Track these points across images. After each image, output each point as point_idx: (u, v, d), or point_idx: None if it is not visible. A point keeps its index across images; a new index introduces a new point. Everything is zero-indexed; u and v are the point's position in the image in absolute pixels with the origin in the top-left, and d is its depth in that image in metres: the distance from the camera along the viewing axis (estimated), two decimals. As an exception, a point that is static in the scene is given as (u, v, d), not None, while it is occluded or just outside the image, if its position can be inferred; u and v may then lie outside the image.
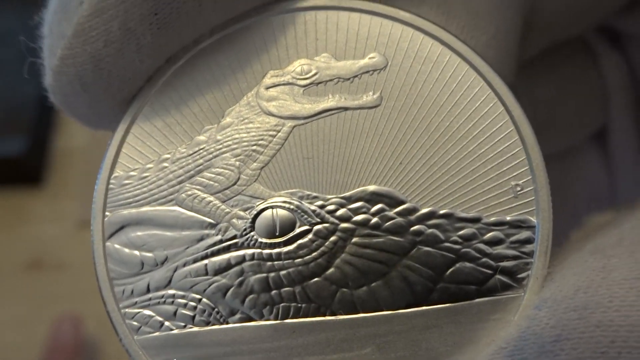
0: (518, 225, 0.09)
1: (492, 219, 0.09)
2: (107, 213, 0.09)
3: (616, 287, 0.07)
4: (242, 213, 0.09)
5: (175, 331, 0.09)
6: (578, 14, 0.11)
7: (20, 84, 0.45)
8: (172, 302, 0.09)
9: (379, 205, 0.09)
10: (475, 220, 0.09)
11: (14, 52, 0.46)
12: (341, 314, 0.09)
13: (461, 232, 0.09)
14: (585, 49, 0.13)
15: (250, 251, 0.09)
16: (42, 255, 0.41)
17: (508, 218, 0.09)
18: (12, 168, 0.42)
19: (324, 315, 0.09)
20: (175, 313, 0.09)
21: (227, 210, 0.09)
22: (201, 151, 0.09)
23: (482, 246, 0.09)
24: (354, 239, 0.09)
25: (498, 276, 0.09)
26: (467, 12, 0.09)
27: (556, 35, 0.12)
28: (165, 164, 0.10)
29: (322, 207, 0.09)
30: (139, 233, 0.09)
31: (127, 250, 0.09)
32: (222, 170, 0.09)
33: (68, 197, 0.43)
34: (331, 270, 0.09)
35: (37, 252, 0.41)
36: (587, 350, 0.06)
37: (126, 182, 0.10)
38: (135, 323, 0.09)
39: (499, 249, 0.09)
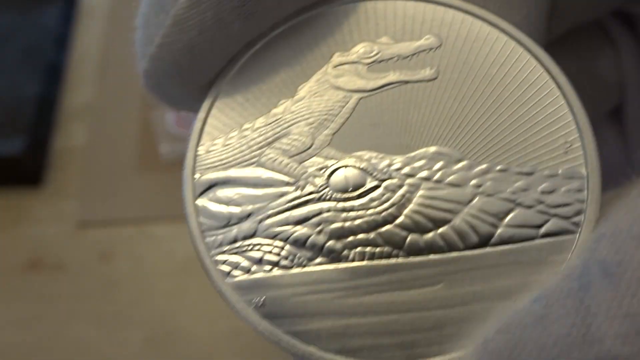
0: (570, 176, 0.10)
1: (546, 172, 0.10)
2: (196, 175, 0.11)
3: None
4: (317, 172, 0.10)
5: (262, 274, 0.10)
6: None
7: (20, 84, 0.45)
8: (259, 249, 0.10)
9: (441, 163, 0.10)
10: (529, 174, 0.10)
11: (14, 52, 0.46)
12: (412, 257, 0.10)
13: (517, 184, 0.10)
14: (603, 33, 0.14)
15: (326, 204, 0.10)
16: (42, 255, 0.41)
17: (560, 171, 0.10)
18: (12, 168, 0.42)
19: (397, 258, 0.10)
20: (261, 259, 0.10)
21: (304, 170, 0.10)
22: (278, 121, 0.11)
23: (537, 195, 0.10)
24: (420, 192, 0.10)
25: (554, 220, 0.10)
26: (508, 4, 0.11)
27: (577, 18, 0.13)
28: (247, 132, 0.11)
29: (389, 165, 0.10)
30: (226, 191, 0.11)
31: (215, 206, 0.11)
32: (297, 136, 0.11)
33: (68, 197, 0.43)
34: (401, 218, 0.10)
35: (36, 252, 0.41)
36: None
37: (212, 149, 0.11)
38: (225, 268, 0.10)
39: (554, 197, 0.10)
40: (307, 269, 0.10)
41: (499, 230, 0.10)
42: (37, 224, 0.42)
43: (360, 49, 0.11)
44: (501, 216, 0.10)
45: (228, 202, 0.11)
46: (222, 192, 0.11)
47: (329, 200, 0.10)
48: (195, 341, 0.38)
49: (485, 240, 0.10)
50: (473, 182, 0.10)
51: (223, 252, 0.10)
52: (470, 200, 0.10)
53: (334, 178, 0.10)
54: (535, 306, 0.08)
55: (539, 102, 0.10)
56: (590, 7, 0.13)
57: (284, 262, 0.10)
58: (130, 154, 0.44)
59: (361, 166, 0.10)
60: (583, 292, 0.08)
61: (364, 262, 0.10)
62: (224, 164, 0.11)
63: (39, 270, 0.40)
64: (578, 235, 0.10)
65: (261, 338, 0.11)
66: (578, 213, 0.10)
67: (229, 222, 0.10)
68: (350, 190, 0.10)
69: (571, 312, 0.08)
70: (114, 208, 0.42)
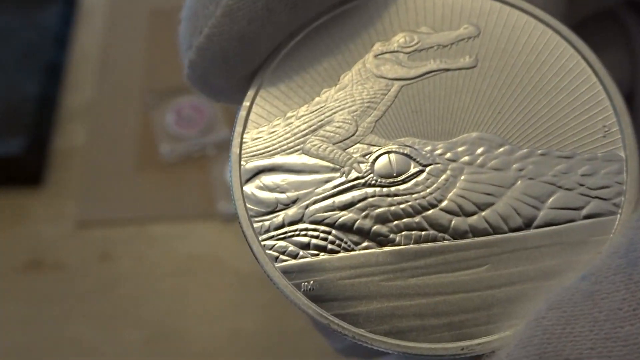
0: (609, 159, 0.10)
1: (585, 155, 0.10)
2: (242, 163, 0.11)
3: None
4: (361, 158, 0.11)
5: (310, 259, 0.10)
6: None
7: (20, 84, 0.45)
8: (306, 234, 0.10)
9: (483, 148, 0.10)
10: (569, 157, 0.10)
11: (13, 52, 0.46)
12: (457, 239, 0.10)
13: (558, 167, 0.10)
14: (616, 23, 0.15)
15: (371, 189, 0.10)
16: (42, 255, 0.41)
17: (599, 154, 0.10)
18: (12, 168, 0.42)
19: (442, 241, 0.10)
20: (308, 244, 0.10)
21: (349, 156, 0.11)
22: (322, 109, 0.11)
23: (578, 178, 0.10)
24: (463, 176, 0.10)
25: (595, 201, 0.10)
26: None
27: (594, 5, 0.13)
28: (291, 120, 0.11)
29: (432, 151, 0.11)
30: (272, 177, 0.11)
31: (262, 192, 0.11)
32: (341, 124, 0.11)
33: (67, 197, 0.43)
34: (445, 202, 0.10)
35: (36, 252, 0.41)
36: None
37: (257, 137, 0.11)
38: (273, 253, 0.10)
39: (594, 180, 0.10)
40: (354, 252, 0.10)
41: (541, 213, 0.10)
42: (37, 224, 0.42)
43: (400, 38, 0.11)
44: (543, 199, 0.10)
45: (274, 188, 0.11)
46: (269, 179, 0.11)
47: (374, 185, 0.10)
48: (195, 341, 0.38)
49: (528, 223, 0.10)
50: (515, 166, 0.10)
51: (271, 238, 0.10)
52: (513, 184, 0.10)
53: (378, 164, 0.11)
54: (585, 283, 0.08)
55: (577, 88, 0.10)
56: None
57: (330, 247, 0.10)
58: (130, 154, 0.44)
59: (405, 152, 0.11)
60: (631, 268, 0.08)
61: (410, 245, 0.10)
62: (269, 151, 0.11)
63: (39, 270, 0.40)
64: (619, 215, 0.10)
65: (310, 321, 0.11)
66: (618, 194, 0.10)
67: (275, 208, 0.11)
68: (394, 175, 0.10)
69: (621, 287, 0.08)
70: (113, 208, 0.42)
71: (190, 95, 0.46)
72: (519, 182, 0.10)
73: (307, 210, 0.10)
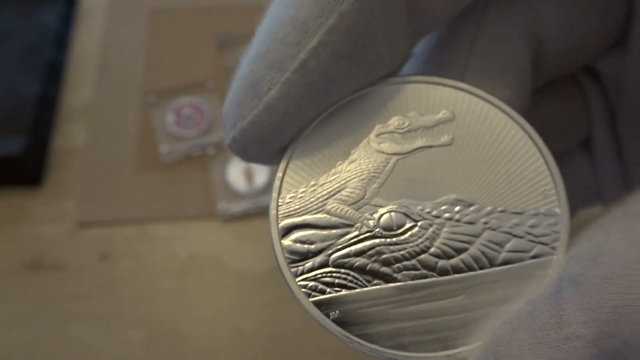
0: (548, 214, 0.14)
1: (532, 212, 0.14)
2: (279, 222, 0.14)
3: (616, 243, 0.11)
4: (369, 216, 0.14)
5: (335, 294, 0.13)
6: (573, 60, 0.17)
7: (19, 84, 0.45)
8: (331, 275, 0.13)
9: (459, 207, 0.14)
10: (520, 213, 0.14)
11: (13, 52, 0.46)
12: (442, 276, 0.13)
13: (513, 220, 0.14)
14: (574, 82, 0.19)
15: (377, 240, 0.14)
16: (42, 255, 0.41)
17: (542, 210, 0.14)
18: (12, 168, 0.42)
19: (431, 277, 0.13)
20: (333, 283, 0.13)
21: (360, 215, 0.14)
22: (337, 178, 0.14)
23: (527, 228, 0.14)
24: (445, 229, 0.14)
25: (539, 246, 0.13)
26: (501, 81, 0.15)
27: (555, 74, 0.17)
28: (314, 187, 0.14)
29: (422, 209, 0.14)
30: (303, 232, 0.14)
31: (296, 244, 0.14)
32: (353, 189, 0.14)
33: (67, 197, 0.43)
34: (433, 249, 0.14)
35: (36, 252, 0.41)
36: (596, 277, 0.11)
37: (289, 200, 0.14)
38: (307, 291, 0.13)
39: (538, 229, 0.14)
40: (367, 288, 0.13)
41: (501, 255, 0.13)
42: (37, 224, 0.42)
43: (395, 121, 0.14)
44: (502, 245, 0.14)
45: (305, 241, 0.14)
46: (300, 234, 0.14)
47: (380, 237, 0.14)
48: (195, 341, 0.38)
49: (492, 263, 0.13)
50: (482, 220, 0.14)
51: (305, 279, 0.14)
52: (481, 234, 0.14)
53: (382, 220, 0.14)
54: (528, 306, 0.12)
55: (525, 161, 0.14)
56: (565, 67, 0.17)
57: (350, 285, 0.13)
58: (129, 154, 0.44)
59: (402, 211, 0.14)
60: (557, 294, 0.12)
61: (408, 282, 0.13)
62: (299, 211, 0.14)
63: (39, 270, 0.40)
64: (555, 256, 0.13)
65: (337, 340, 0.13)
66: (555, 240, 0.14)
67: (307, 256, 0.14)
68: (394, 229, 0.14)
69: (550, 308, 0.12)
70: (113, 208, 0.42)
71: (190, 96, 0.46)
72: (485, 232, 0.14)
73: (330, 257, 0.14)
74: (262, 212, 0.42)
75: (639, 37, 0.15)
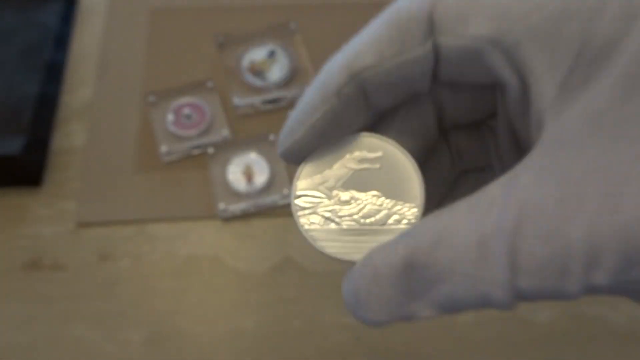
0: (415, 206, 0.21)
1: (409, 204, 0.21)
2: (296, 193, 0.21)
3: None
4: (335, 194, 0.21)
5: (314, 226, 0.21)
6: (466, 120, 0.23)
7: (19, 84, 0.45)
8: (314, 219, 0.21)
9: (375, 197, 0.21)
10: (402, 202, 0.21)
11: (13, 52, 0.46)
12: (362, 226, 0.21)
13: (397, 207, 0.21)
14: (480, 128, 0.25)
15: (337, 206, 0.21)
16: (42, 255, 0.41)
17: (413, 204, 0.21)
18: (11, 168, 0.42)
19: (358, 225, 0.21)
20: (316, 222, 0.21)
21: (330, 193, 0.21)
22: (325, 175, 0.22)
23: (405, 210, 0.21)
24: (367, 205, 0.21)
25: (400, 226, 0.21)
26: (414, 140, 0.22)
27: (467, 120, 0.23)
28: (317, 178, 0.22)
29: (361, 196, 0.21)
30: (306, 198, 0.21)
31: (302, 203, 0.21)
32: (332, 182, 0.22)
33: (67, 198, 0.43)
34: (360, 212, 0.21)
35: (36, 252, 0.41)
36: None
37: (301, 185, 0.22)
38: (304, 220, 0.21)
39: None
40: (329, 226, 0.21)
41: (388, 221, 0.21)
42: (37, 224, 0.42)
43: (358, 153, 0.22)
44: (389, 216, 0.21)
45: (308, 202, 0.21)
46: (305, 198, 0.21)
47: (338, 204, 0.21)
48: (195, 341, 0.38)
49: (382, 223, 0.21)
50: (384, 205, 0.21)
51: (303, 215, 0.21)
52: (380, 211, 0.21)
53: (341, 198, 0.21)
54: (402, 237, 0.18)
55: (409, 179, 0.21)
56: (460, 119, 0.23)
57: (324, 222, 0.21)
58: (129, 154, 0.44)
59: (350, 195, 0.22)
60: (406, 236, 0.18)
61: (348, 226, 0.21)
62: (305, 190, 0.22)
63: (39, 270, 0.40)
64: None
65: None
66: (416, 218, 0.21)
67: (307, 207, 0.21)
68: (347, 202, 0.22)
69: (395, 241, 0.18)
70: (113, 208, 0.42)
71: (190, 96, 0.46)
72: (383, 211, 0.21)
73: (317, 210, 0.21)
74: (261, 212, 0.42)
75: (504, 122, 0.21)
